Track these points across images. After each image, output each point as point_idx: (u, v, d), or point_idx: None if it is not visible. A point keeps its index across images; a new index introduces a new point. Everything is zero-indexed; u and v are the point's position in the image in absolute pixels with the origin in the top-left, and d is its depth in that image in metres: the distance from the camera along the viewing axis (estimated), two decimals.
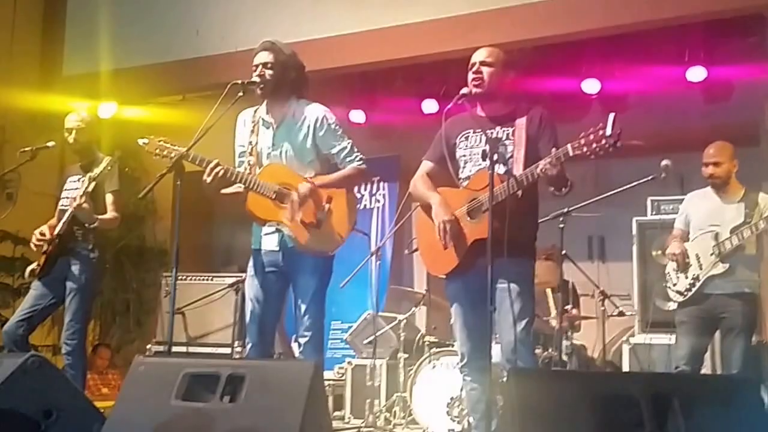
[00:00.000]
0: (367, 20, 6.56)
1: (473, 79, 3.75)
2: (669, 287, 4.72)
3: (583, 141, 3.27)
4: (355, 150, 4.03)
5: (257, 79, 3.95)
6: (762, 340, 5.42)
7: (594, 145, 3.23)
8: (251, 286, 4.04)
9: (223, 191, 4.02)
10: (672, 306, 4.80)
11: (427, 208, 3.89)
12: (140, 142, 4.03)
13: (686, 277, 4.59)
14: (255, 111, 4.13)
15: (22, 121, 7.57)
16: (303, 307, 3.93)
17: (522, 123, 3.70)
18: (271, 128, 4.05)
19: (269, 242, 3.99)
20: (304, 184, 3.88)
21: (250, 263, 4.08)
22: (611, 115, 3.23)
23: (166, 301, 6.68)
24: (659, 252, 4.98)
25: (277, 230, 3.95)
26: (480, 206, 3.63)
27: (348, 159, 4.00)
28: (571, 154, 3.31)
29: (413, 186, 3.98)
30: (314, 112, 4.02)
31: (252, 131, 4.08)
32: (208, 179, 3.83)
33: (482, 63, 3.75)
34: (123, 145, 6.13)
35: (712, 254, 4.49)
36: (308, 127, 4.00)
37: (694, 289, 4.55)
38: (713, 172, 4.59)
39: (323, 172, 4.02)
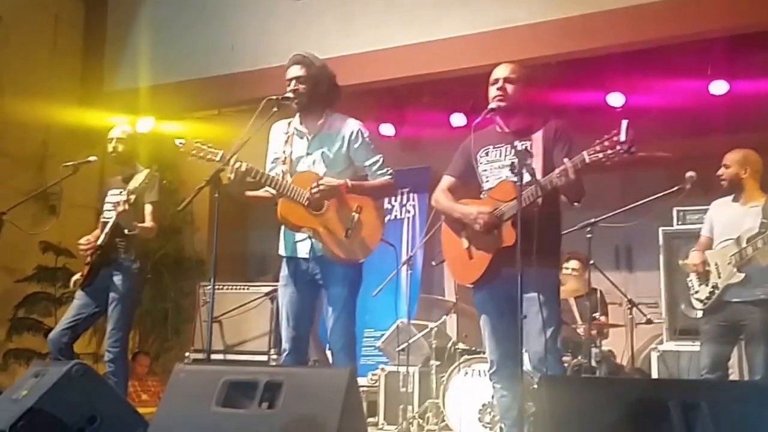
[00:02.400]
0: (396, 37, 6.69)
1: (496, 96, 3.84)
2: (692, 295, 4.77)
3: (598, 148, 3.33)
4: (386, 164, 4.15)
5: (291, 95, 4.06)
6: None
7: (609, 152, 3.29)
8: (284, 295, 4.13)
9: (249, 193, 4.13)
10: (699, 314, 4.84)
11: (451, 221, 4.01)
12: (177, 142, 4.13)
13: (707, 286, 4.63)
14: (289, 123, 4.24)
15: (63, 135, 7.76)
16: (335, 316, 4.02)
17: (539, 135, 3.79)
18: (305, 138, 4.16)
19: (301, 250, 4.09)
20: (337, 180, 4.01)
21: (283, 272, 4.16)
22: (624, 122, 3.28)
23: (204, 309, 6.79)
24: (685, 261, 5.01)
25: (309, 238, 4.05)
26: (502, 215, 3.71)
27: (379, 172, 4.13)
28: (587, 161, 3.37)
29: (435, 201, 4.09)
30: (350, 125, 4.15)
31: (286, 141, 4.19)
32: (231, 176, 3.92)
33: (506, 80, 3.84)
34: (161, 158, 6.29)
35: (729, 263, 4.52)
36: (343, 139, 4.11)
37: (714, 297, 4.59)
38: (720, 173, 4.71)
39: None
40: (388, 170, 4.15)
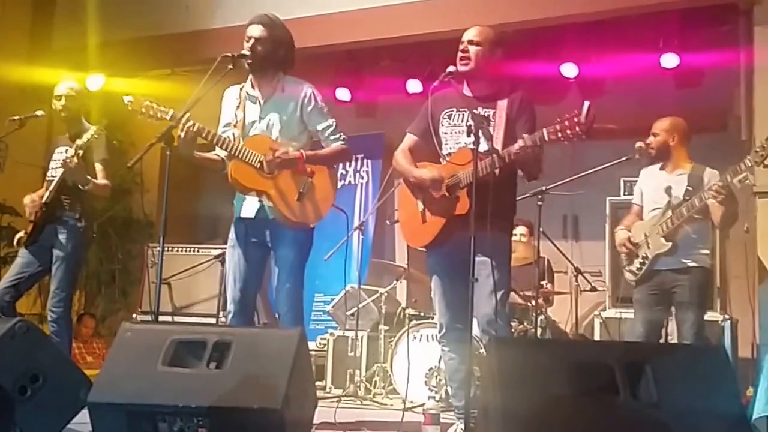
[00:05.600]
0: (354, 0, 6.62)
1: (460, 58, 3.83)
2: (624, 268, 4.83)
3: (558, 126, 3.37)
4: (339, 129, 4.14)
5: (248, 53, 4.01)
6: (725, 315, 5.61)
7: (568, 131, 3.34)
8: (232, 256, 4.12)
9: (198, 155, 4.09)
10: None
11: (409, 183, 4.02)
12: (125, 99, 4.06)
13: (638, 257, 4.68)
14: (241, 88, 4.20)
15: (10, 92, 7.53)
16: (282, 279, 4.02)
17: (503, 104, 3.80)
18: (257, 102, 4.13)
19: (250, 211, 4.07)
20: (294, 151, 3.99)
21: (231, 233, 4.15)
22: (586, 103, 3.33)
23: (152, 271, 6.74)
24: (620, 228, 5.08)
25: (259, 200, 4.03)
26: (458, 182, 3.74)
27: (332, 137, 4.12)
28: (546, 139, 3.42)
29: (395, 160, 4.08)
30: (303, 88, 4.13)
31: (238, 106, 4.15)
32: (182, 134, 3.87)
33: (470, 42, 3.83)
34: (111, 117, 6.17)
35: (657, 233, 4.57)
36: (296, 102, 4.09)
37: (644, 268, 4.63)
38: (649, 141, 4.71)
39: (306, 147, 4.11)
40: (341, 135, 4.14)
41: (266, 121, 4.10)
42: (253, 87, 4.16)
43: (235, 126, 4.13)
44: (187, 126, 3.87)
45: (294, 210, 3.97)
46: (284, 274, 4.02)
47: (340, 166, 7.90)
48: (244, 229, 4.11)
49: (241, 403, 2.90)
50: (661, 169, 4.74)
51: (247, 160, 3.97)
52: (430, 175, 3.82)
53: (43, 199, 4.93)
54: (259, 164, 3.96)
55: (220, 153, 4.10)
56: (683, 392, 2.77)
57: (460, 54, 3.84)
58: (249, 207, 4.08)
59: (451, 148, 3.89)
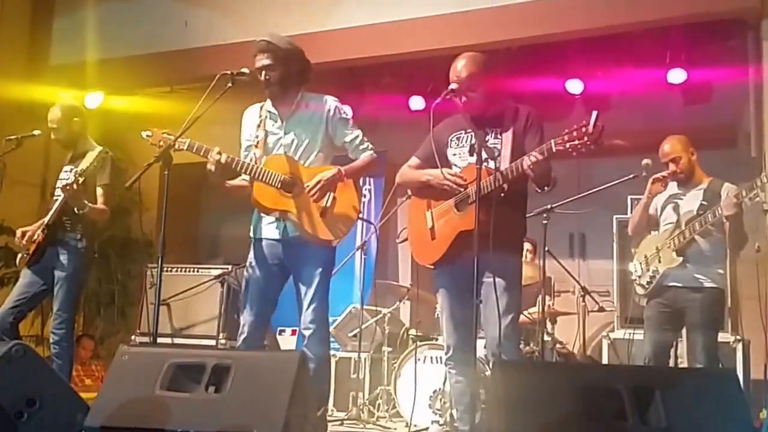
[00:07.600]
0: (356, 17, 6.64)
1: (464, 103, 3.78)
2: (635, 281, 4.78)
3: (566, 137, 3.32)
4: (366, 139, 4.11)
5: (263, 83, 3.99)
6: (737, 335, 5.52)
7: (576, 142, 3.28)
8: (251, 278, 4.05)
9: (228, 183, 4.05)
10: (644, 301, 4.84)
11: (419, 190, 3.96)
12: (144, 134, 4.04)
13: (648, 270, 4.63)
14: (261, 106, 4.18)
15: (8, 110, 7.51)
16: (308, 299, 3.94)
17: (509, 122, 3.76)
18: (279, 121, 4.10)
19: (272, 232, 4.02)
20: (331, 170, 3.94)
21: (251, 254, 4.09)
22: (594, 113, 3.29)
23: (151, 292, 6.65)
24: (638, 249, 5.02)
25: (278, 220, 3.99)
26: (467, 198, 3.69)
27: (361, 147, 4.09)
28: (554, 149, 3.36)
29: (400, 176, 4.06)
30: (327, 103, 4.10)
31: (259, 125, 4.13)
32: (212, 168, 3.86)
33: (469, 88, 3.74)
34: (109, 135, 6.13)
35: (669, 247, 4.51)
36: (321, 118, 4.06)
37: (654, 282, 4.58)
38: (675, 168, 4.60)
39: (329, 162, 4.09)
40: (368, 145, 4.11)
41: (290, 137, 4.06)
42: (274, 105, 4.14)
43: (256, 146, 4.09)
44: (216, 159, 3.84)
45: (317, 226, 3.91)
46: (311, 293, 3.94)
47: None
48: (264, 250, 4.05)
49: (240, 428, 2.83)
50: (680, 185, 4.67)
51: (267, 181, 3.93)
52: (446, 170, 3.75)
53: (46, 220, 4.89)
54: (279, 184, 3.92)
55: (246, 177, 4.07)
56: (693, 417, 2.72)
57: (463, 99, 3.76)
58: (272, 229, 4.03)
59: (459, 169, 3.84)
